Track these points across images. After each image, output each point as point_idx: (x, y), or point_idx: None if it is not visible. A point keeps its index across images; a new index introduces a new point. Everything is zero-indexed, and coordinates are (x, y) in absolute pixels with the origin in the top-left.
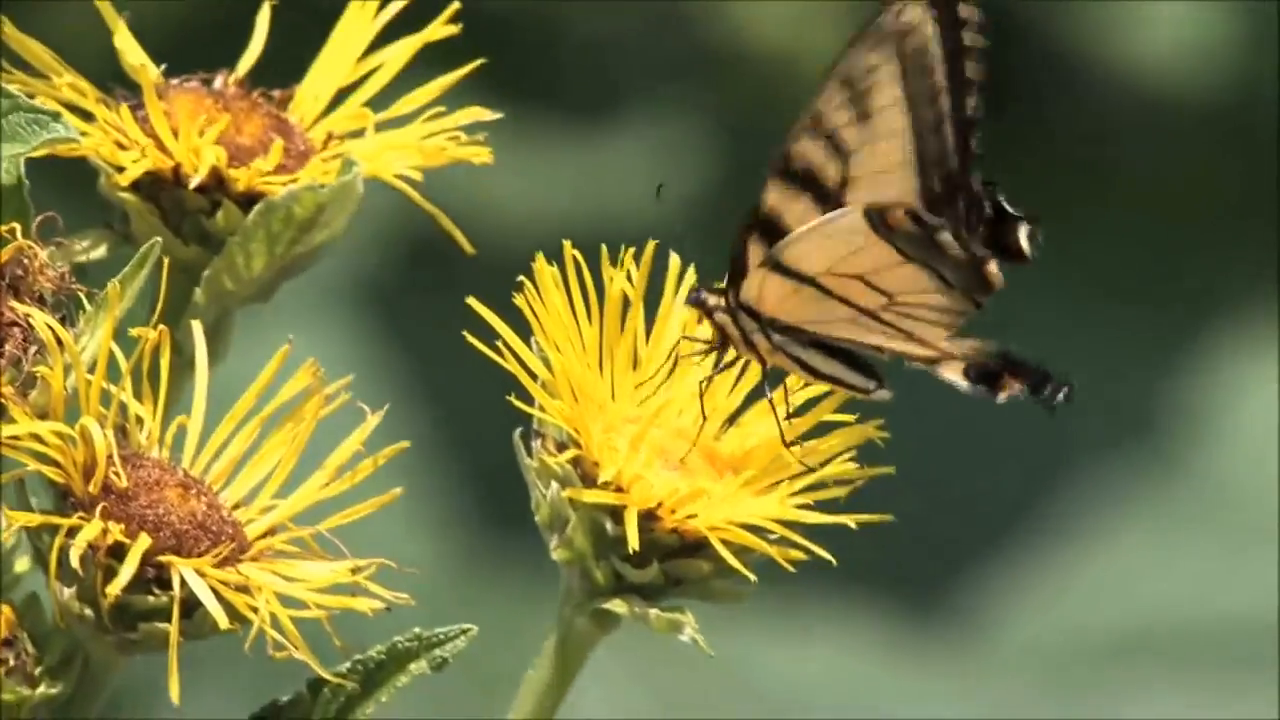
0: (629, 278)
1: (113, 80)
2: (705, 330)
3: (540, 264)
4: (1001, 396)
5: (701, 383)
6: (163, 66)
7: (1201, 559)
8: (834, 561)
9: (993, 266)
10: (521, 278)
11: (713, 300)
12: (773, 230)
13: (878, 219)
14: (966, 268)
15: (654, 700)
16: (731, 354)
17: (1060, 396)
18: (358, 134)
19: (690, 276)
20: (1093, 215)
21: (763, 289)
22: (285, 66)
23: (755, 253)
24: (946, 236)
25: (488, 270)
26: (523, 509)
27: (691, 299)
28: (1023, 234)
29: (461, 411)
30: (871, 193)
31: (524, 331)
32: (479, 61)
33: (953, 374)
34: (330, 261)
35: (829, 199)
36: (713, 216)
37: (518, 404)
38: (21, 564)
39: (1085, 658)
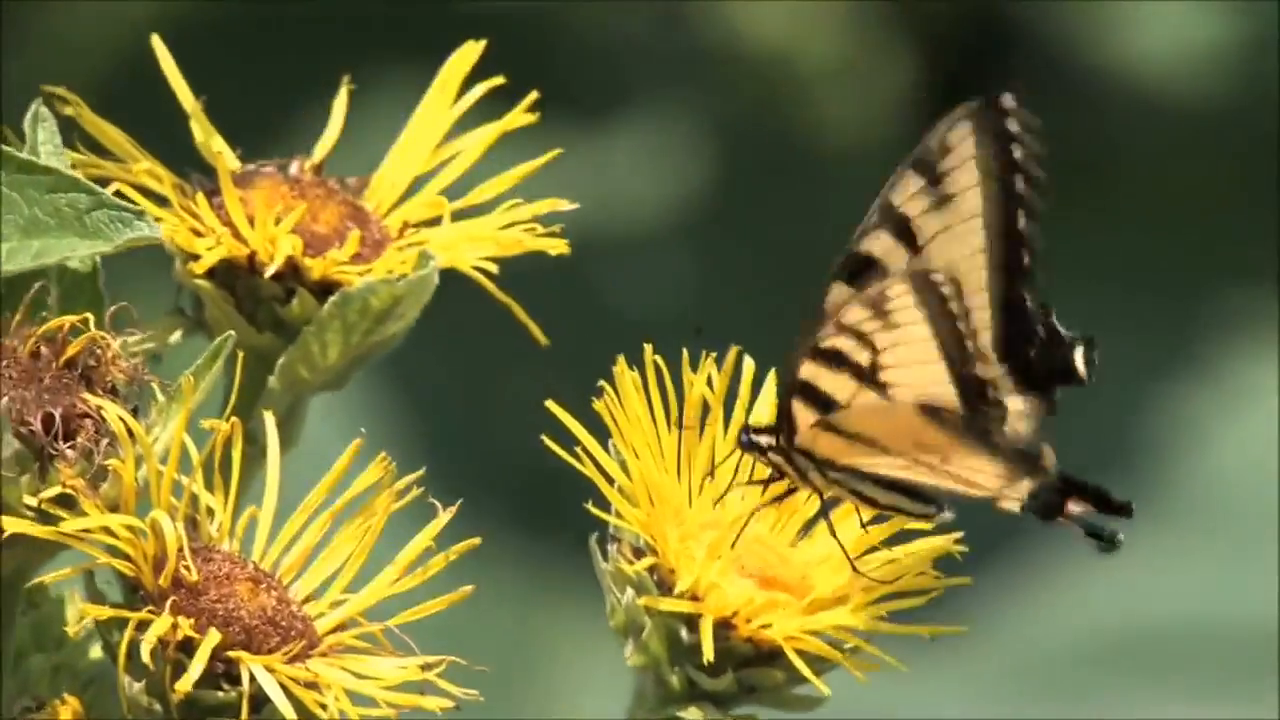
0: (709, 383)
1: (123, 83)
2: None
3: (621, 367)
4: (1063, 522)
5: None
6: (239, 151)
7: (1201, 565)
8: (905, 669)
9: (1046, 458)
10: (602, 382)
11: (764, 440)
12: (815, 394)
13: (930, 414)
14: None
15: None
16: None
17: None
18: (433, 221)
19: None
20: (1091, 217)
21: (816, 442)
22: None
23: (803, 413)
24: (997, 432)
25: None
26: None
27: (743, 443)
28: (1078, 358)
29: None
30: (914, 389)
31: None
32: (556, 151)
33: (1011, 506)
34: None
35: (865, 375)
36: (712, 217)
37: (594, 511)
38: (93, 654)
39: (1084, 663)
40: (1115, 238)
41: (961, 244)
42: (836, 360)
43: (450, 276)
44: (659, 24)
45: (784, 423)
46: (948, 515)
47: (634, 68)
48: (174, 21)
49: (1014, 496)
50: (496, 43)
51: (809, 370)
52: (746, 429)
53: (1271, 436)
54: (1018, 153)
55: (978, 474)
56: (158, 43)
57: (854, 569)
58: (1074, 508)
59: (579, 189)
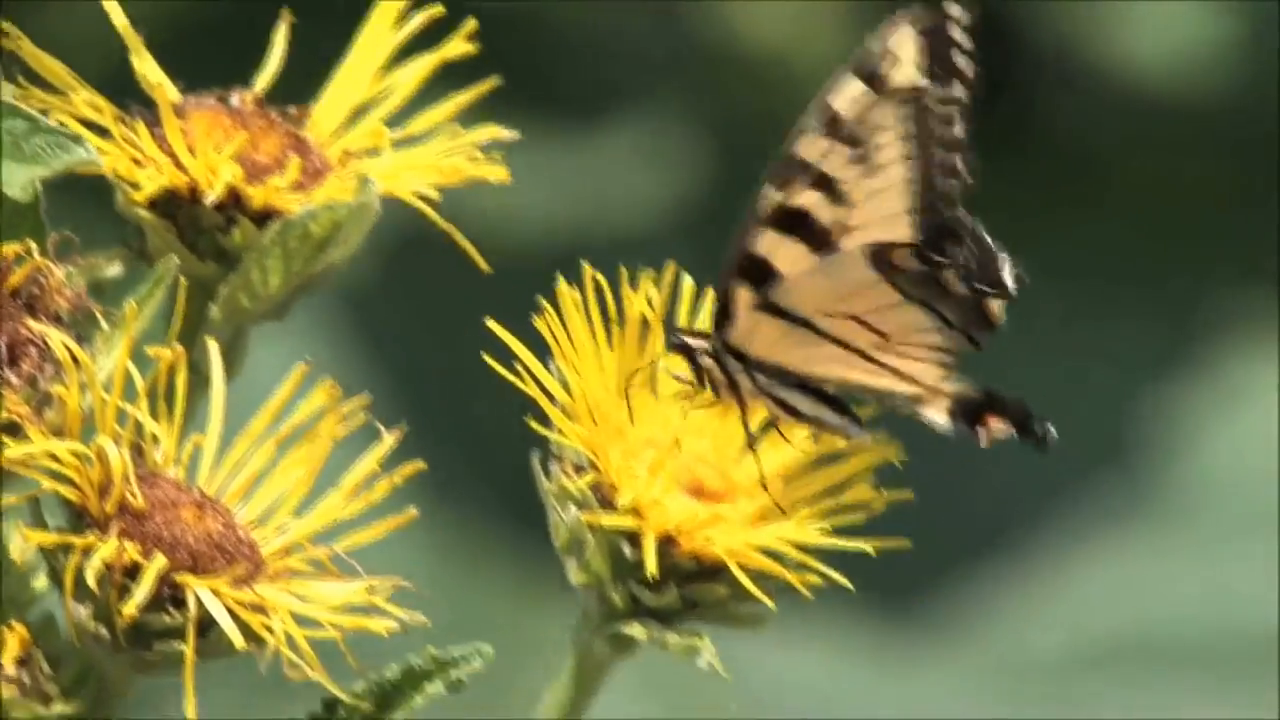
0: (648, 300)
1: (121, 82)
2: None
3: (561, 286)
4: (983, 436)
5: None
6: (179, 84)
7: (1200, 565)
8: (850, 587)
9: (994, 304)
10: (540, 299)
11: (695, 343)
12: (760, 274)
13: (881, 258)
14: (968, 306)
15: (650, 700)
16: (709, 395)
17: (1047, 435)
18: (375, 151)
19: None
20: (1089, 217)
21: (754, 331)
22: (300, 79)
23: (743, 296)
24: (951, 275)
25: (479, 271)
26: (530, 510)
27: (673, 343)
28: (1005, 269)
29: (452, 411)
30: (869, 236)
31: (535, 346)
32: (493, 81)
33: (936, 413)
34: None
35: (823, 244)
36: (708, 217)
37: (535, 426)
38: (38, 582)
39: (1081, 663)
40: (1113, 235)
41: (898, 150)
42: (797, 227)
43: (440, 263)
44: (656, 23)
45: (723, 316)
46: (864, 435)
47: (628, 67)
48: (174, 23)
49: (944, 394)
50: (492, 41)
51: (768, 242)
52: (675, 330)
53: (1270, 435)
54: (959, 59)
55: (916, 356)
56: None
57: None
58: (995, 425)
59: (575, 189)
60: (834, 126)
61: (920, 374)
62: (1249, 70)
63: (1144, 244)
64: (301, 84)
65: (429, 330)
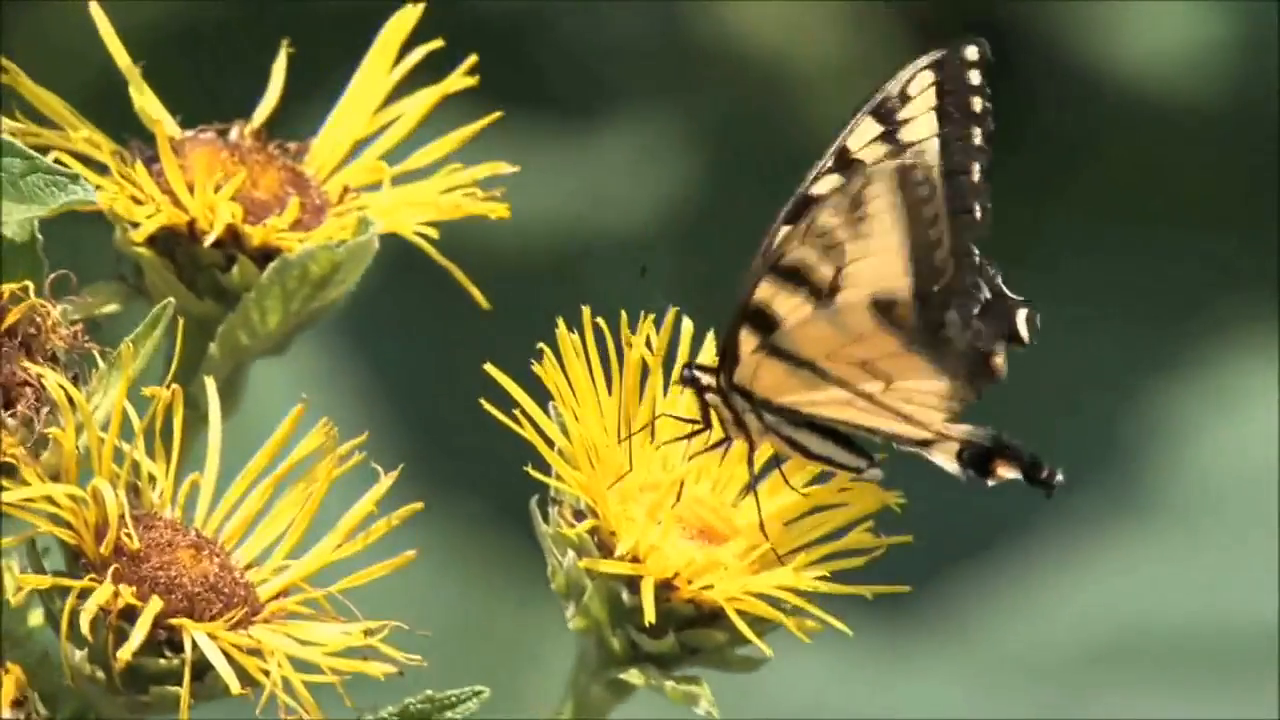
0: (648, 342)
1: (119, 86)
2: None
3: (561, 331)
4: (993, 481)
5: (689, 459)
6: (179, 117)
7: (1199, 565)
8: (849, 633)
9: (998, 358)
10: (541, 345)
11: (705, 379)
12: (763, 319)
13: (882, 311)
14: (971, 359)
15: (650, 699)
16: (719, 434)
17: (1055, 480)
18: (374, 186)
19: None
20: (1087, 217)
21: (758, 371)
22: (298, 109)
23: (748, 340)
24: (953, 332)
25: (476, 272)
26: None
27: (685, 377)
28: (1021, 319)
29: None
30: (870, 285)
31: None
32: (497, 115)
33: (944, 457)
34: None
35: (823, 293)
36: (705, 218)
37: (536, 474)
38: (35, 618)
39: (1081, 663)
40: (1111, 235)
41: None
42: (796, 278)
43: (434, 279)
44: (650, 24)
45: (727, 358)
46: (877, 472)
47: (623, 68)
48: (172, 24)
49: (951, 439)
50: (490, 44)
51: (766, 290)
52: (690, 365)
53: (1270, 436)
54: (977, 105)
55: (920, 401)
56: (96, 10)
57: (764, 533)
58: (1004, 470)
59: (571, 190)
60: (847, 165)
61: (924, 418)
62: (1248, 70)
63: (1143, 244)
64: (302, 114)
65: (432, 331)
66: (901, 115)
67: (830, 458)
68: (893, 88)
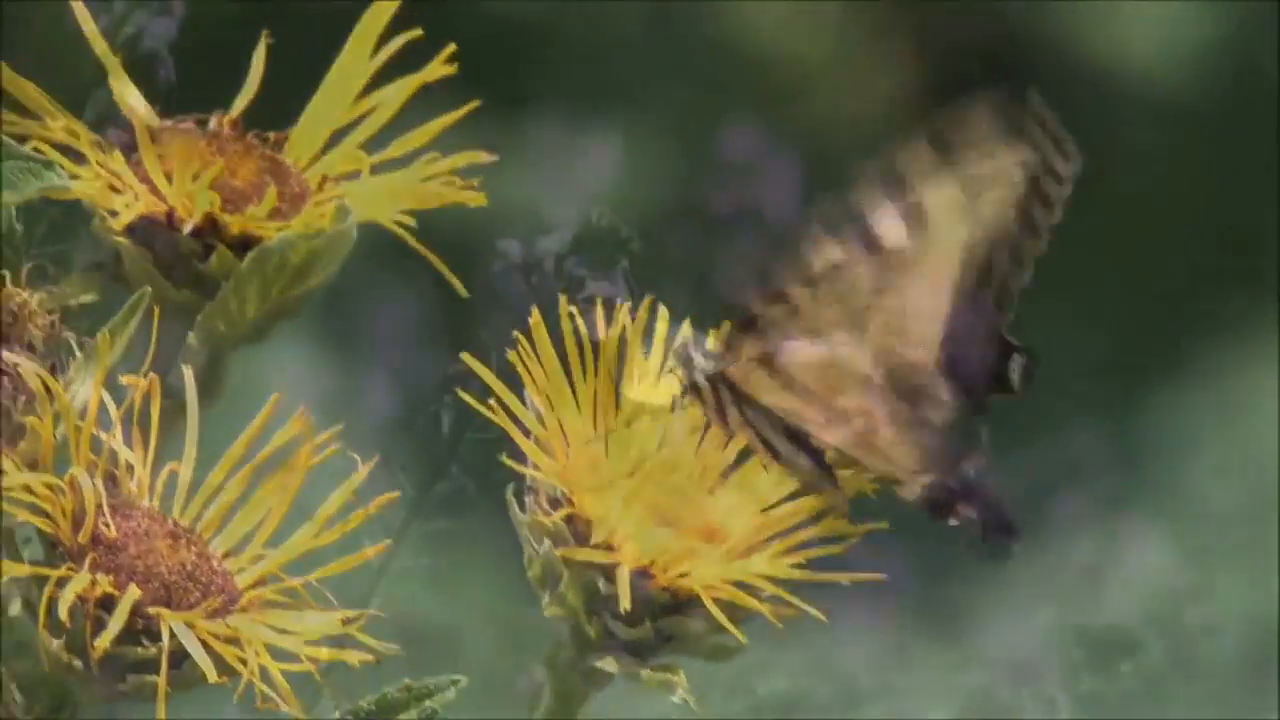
0: (623, 330)
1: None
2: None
3: (536, 319)
4: (954, 521)
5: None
6: (157, 107)
7: (1199, 565)
8: (825, 619)
9: (972, 458)
10: (516, 333)
11: (699, 361)
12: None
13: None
14: (958, 417)
15: (651, 699)
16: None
17: (1009, 550)
18: (353, 175)
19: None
20: (1086, 216)
21: (751, 376)
22: (278, 100)
23: (749, 346)
24: (922, 435)
25: (468, 269)
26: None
27: (681, 354)
28: (1014, 367)
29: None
30: (886, 336)
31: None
32: (474, 104)
33: (908, 495)
34: None
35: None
36: (706, 217)
37: (509, 463)
38: (13, 607)
39: (1079, 663)
40: (1110, 235)
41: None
42: (829, 299)
43: (429, 280)
44: (651, 24)
45: (729, 350)
46: (839, 496)
47: (623, 68)
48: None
49: (918, 482)
50: (489, 43)
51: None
52: (687, 344)
53: (1270, 438)
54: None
55: (900, 442)
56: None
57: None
58: (967, 512)
59: (571, 189)
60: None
61: (904, 461)
62: (1247, 70)
63: (1142, 244)
64: (282, 105)
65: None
66: (959, 155)
67: (797, 464)
68: (950, 126)
